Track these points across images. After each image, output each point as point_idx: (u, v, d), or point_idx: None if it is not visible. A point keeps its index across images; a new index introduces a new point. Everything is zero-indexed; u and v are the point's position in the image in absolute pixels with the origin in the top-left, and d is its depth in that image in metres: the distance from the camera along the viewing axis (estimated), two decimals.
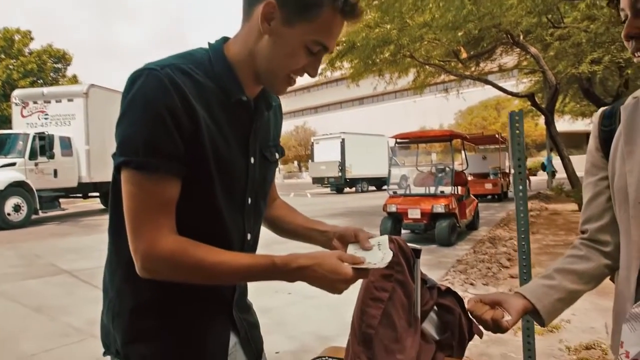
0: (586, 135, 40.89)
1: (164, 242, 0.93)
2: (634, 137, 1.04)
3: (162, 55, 1.04)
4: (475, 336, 1.64)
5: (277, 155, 1.25)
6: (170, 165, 0.94)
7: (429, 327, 1.58)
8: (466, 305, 1.16)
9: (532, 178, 21.85)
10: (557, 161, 13.92)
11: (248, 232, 1.15)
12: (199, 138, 0.97)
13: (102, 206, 17.15)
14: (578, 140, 37.12)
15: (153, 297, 1.04)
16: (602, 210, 1.14)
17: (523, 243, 1.89)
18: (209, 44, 1.09)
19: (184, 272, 0.96)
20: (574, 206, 11.81)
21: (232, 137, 1.06)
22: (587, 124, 25.15)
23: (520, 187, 1.89)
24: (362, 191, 25.83)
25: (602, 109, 1.19)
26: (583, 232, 1.19)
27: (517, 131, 1.89)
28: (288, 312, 4.41)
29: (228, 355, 1.14)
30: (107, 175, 13.44)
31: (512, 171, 1.90)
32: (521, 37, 10.67)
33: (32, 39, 30.72)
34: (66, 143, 14.08)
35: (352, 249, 1.16)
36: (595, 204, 1.16)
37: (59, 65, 31.95)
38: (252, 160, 1.12)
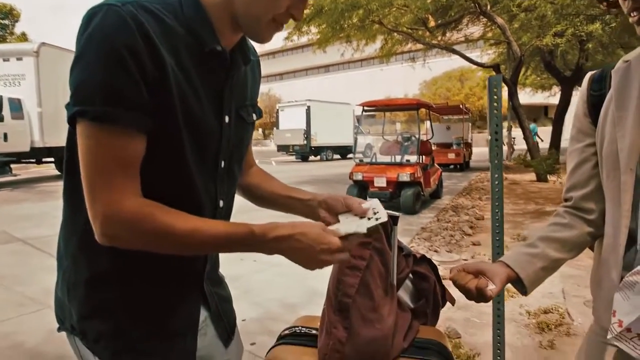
0: (544, 107, 42.06)
1: (127, 204, 0.82)
2: (626, 101, 1.00)
3: None
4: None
5: (254, 116, 1.13)
6: (133, 116, 0.82)
7: (404, 295, 1.55)
8: (449, 275, 1.12)
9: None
10: (518, 132, 14.27)
11: (220, 198, 1.05)
12: (165, 85, 0.84)
13: (57, 172, 16.44)
14: (537, 113, 38.14)
15: (113, 267, 0.93)
16: (587, 178, 1.12)
17: (497, 211, 1.88)
18: None
19: (150, 239, 0.85)
20: (533, 176, 12.20)
21: (204, 92, 0.94)
22: (546, 97, 25.83)
23: (497, 155, 1.86)
24: (327, 159, 25.84)
25: (590, 72, 1.15)
26: (567, 200, 1.16)
27: (495, 96, 1.84)
28: (254, 279, 4.37)
29: (198, 331, 1.05)
30: (62, 140, 12.47)
31: (489, 138, 1.86)
32: (488, 7, 10.67)
33: None
34: (16, 105, 13.27)
35: (344, 220, 1.07)
36: (581, 171, 1.13)
37: (6, 22, 29.86)
38: (227, 119, 1.00)
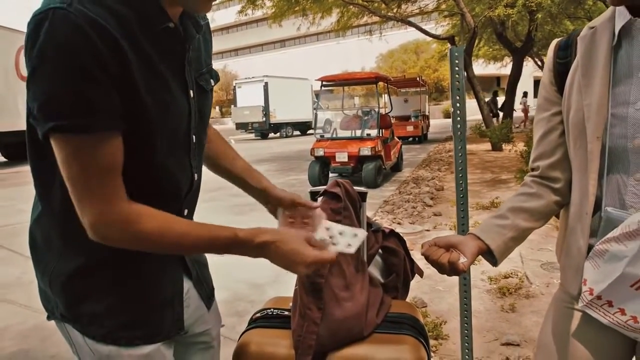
0: (497, 78, 43.15)
1: (114, 211, 0.84)
2: (592, 69, 1.00)
3: None
4: None
5: (212, 82, 1.10)
6: (105, 121, 0.79)
7: (375, 270, 1.55)
8: (421, 250, 1.11)
9: (449, 120, 22.76)
10: (473, 103, 14.57)
11: (195, 172, 1.05)
12: (131, 81, 0.81)
13: (3, 159, 15.57)
14: (490, 84, 39.06)
15: (100, 254, 0.93)
16: (554, 147, 1.12)
17: (461, 182, 1.89)
18: None
19: (139, 241, 0.88)
20: (489, 146, 12.54)
21: (169, 73, 0.91)
22: (498, 68, 26.42)
23: (459, 127, 1.86)
24: (287, 136, 25.65)
25: (556, 40, 1.14)
26: (534, 170, 1.17)
27: (457, 68, 1.83)
28: (221, 261, 4.27)
29: (184, 300, 1.09)
30: (10, 125, 12.12)
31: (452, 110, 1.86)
32: None
33: None
34: None
35: (326, 231, 1.10)
36: (547, 140, 1.13)
37: None
38: (192, 93, 0.98)
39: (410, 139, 17.33)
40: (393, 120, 11.92)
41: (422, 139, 17.52)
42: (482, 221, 1.17)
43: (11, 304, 3.63)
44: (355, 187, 1.41)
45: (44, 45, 0.74)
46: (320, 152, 8.13)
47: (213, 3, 0.92)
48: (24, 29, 0.79)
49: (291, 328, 1.24)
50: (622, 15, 0.96)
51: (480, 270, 3.78)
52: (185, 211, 1.08)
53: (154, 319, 1.01)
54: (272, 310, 1.38)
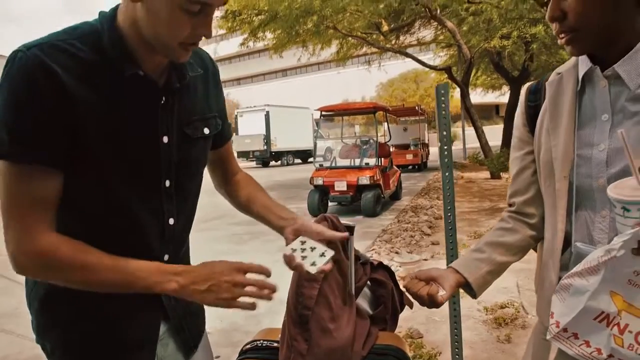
0: (495, 106, 43.61)
1: (33, 241, 0.87)
2: (558, 112, 1.07)
3: (65, 23, 0.92)
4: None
5: (205, 131, 1.12)
6: (40, 154, 0.85)
7: (363, 302, 1.58)
8: (403, 283, 1.16)
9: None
10: (470, 132, 14.74)
11: (170, 216, 1.06)
12: (79, 124, 0.87)
13: None
14: (488, 112, 39.47)
15: (62, 287, 0.94)
16: (527, 184, 1.18)
17: (449, 214, 1.95)
18: (100, 13, 0.96)
19: (52, 274, 0.91)
20: (487, 174, 12.62)
21: (134, 116, 0.95)
22: (497, 96, 26.77)
23: (446, 157, 1.93)
24: (288, 164, 25.81)
25: (527, 84, 1.22)
26: (511, 205, 1.23)
27: (443, 104, 1.91)
28: None
29: (158, 341, 1.08)
30: None
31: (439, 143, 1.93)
32: (438, 11, 10.99)
33: None
34: None
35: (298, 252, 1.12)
36: (522, 178, 1.19)
37: None
38: (166, 139, 1.01)
39: (410, 167, 17.45)
40: (392, 149, 12.04)
41: (421, 167, 17.64)
42: (462, 255, 1.22)
43: (9, 334, 3.64)
44: (343, 221, 1.46)
45: (2, 81, 0.85)
46: (319, 181, 8.20)
47: (189, 54, 0.97)
48: None
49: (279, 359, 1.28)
50: (584, 63, 1.03)
51: (477, 300, 3.79)
52: (166, 257, 1.08)
53: None
54: (261, 341, 1.42)
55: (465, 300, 3.83)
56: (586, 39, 0.97)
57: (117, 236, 0.98)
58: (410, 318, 3.52)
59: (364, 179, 7.89)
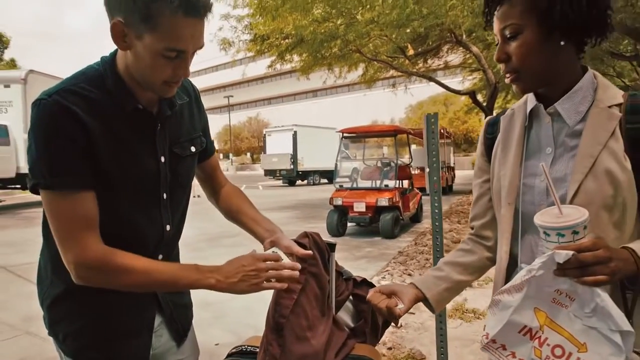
0: None
1: (90, 253, 1.05)
2: (508, 145, 1.18)
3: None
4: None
5: (192, 149, 1.31)
6: (75, 180, 1.03)
7: (345, 315, 1.69)
8: (367, 296, 1.27)
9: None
10: None
11: (167, 223, 1.26)
12: (95, 150, 1.05)
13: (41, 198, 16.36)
14: None
15: (73, 286, 1.11)
16: (484, 210, 1.29)
17: (437, 237, 2.04)
18: (102, 58, 1.15)
19: (112, 279, 1.08)
20: None
21: (137, 143, 1.14)
22: None
23: (435, 186, 2.03)
24: (314, 184, 26.01)
25: (488, 117, 1.33)
26: (471, 228, 1.33)
27: (433, 132, 2.02)
28: (228, 306, 4.44)
29: (153, 332, 1.27)
30: None
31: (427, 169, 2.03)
32: (464, 36, 11.09)
33: None
34: (2, 131, 13.35)
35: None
36: (480, 203, 1.30)
37: None
38: (163, 158, 1.20)
39: None
40: (416, 172, 12.04)
41: (446, 190, 17.49)
42: (423, 274, 1.33)
43: (33, 336, 3.86)
44: (324, 239, 1.58)
45: (32, 125, 1.02)
46: (338, 202, 8.31)
47: (175, 90, 1.15)
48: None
49: None
50: (531, 101, 1.14)
51: (483, 324, 3.80)
52: (160, 256, 1.27)
53: (114, 347, 1.20)
54: (246, 346, 1.54)
55: (472, 324, 3.86)
56: (528, 79, 1.07)
57: (122, 242, 1.14)
58: (415, 339, 3.57)
59: (383, 201, 7.96)
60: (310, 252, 1.37)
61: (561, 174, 1.06)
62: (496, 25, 1.07)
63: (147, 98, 1.15)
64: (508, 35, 1.05)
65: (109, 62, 1.12)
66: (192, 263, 1.15)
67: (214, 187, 1.49)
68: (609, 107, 1.02)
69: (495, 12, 1.07)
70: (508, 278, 1.14)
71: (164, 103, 1.19)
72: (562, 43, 1.01)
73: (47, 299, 1.21)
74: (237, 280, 1.14)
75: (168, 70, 1.06)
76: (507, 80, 1.13)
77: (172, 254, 1.34)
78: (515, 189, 1.13)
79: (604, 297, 0.87)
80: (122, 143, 1.11)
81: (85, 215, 1.05)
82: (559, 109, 1.07)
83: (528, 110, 1.14)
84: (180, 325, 1.37)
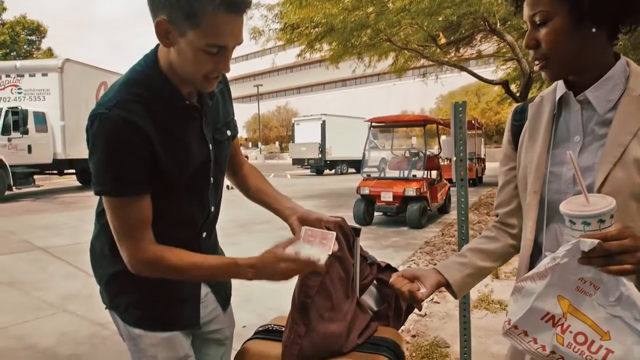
0: None
1: (144, 252, 1.16)
2: (536, 132, 1.17)
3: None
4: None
5: (228, 133, 1.39)
6: (135, 186, 1.13)
7: (369, 299, 1.73)
8: (390, 280, 1.29)
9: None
10: None
11: (212, 205, 1.36)
12: (154, 153, 1.14)
13: (78, 183, 16.96)
14: None
15: None
16: (510, 197, 1.29)
17: (463, 226, 2.04)
18: (144, 58, 1.20)
19: (163, 272, 1.20)
20: None
21: (189, 135, 1.23)
22: None
23: (462, 174, 2.03)
24: (342, 173, 26.03)
25: (516, 105, 1.33)
26: (496, 216, 1.34)
27: (460, 122, 2.02)
28: (255, 289, 4.51)
29: (201, 299, 1.39)
30: (83, 152, 13.27)
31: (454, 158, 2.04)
32: (498, 24, 10.82)
33: (4, 9, 29.74)
34: (40, 118, 13.86)
35: (304, 234, 1.31)
36: (505, 191, 1.30)
37: (33, 38, 31.05)
38: (211, 146, 1.28)
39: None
40: (446, 162, 11.91)
41: (476, 181, 17.23)
42: (446, 259, 1.34)
43: (70, 314, 4.06)
44: (350, 224, 1.62)
45: (94, 138, 1.10)
46: (366, 191, 8.33)
47: (215, 84, 1.20)
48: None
49: (282, 340, 1.46)
50: (561, 88, 1.13)
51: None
52: (204, 234, 1.38)
53: (172, 312, 1.33)
54: (272, 325, 1.60)
55: (498, 315, 3.84)
56: (556, 66, 1.07)
57: (175, 224, 1.27)
58: (439, 328, 3.59)
59: (410, 191, 7.93)
60: (339, 219, 1.46)
61: (589, 163, 1.05)
62: (526, 12, 1.07)
63: (188, 92, 1.22)
64: (538, 22, 1.04)
65: (153, 60, 1.17)
66: (232, 257, 1.23)
67: (235, 167, 1.56)
68: None
69: None
70: (532, 266, 1.14)
71: (204, 94, 1.26)
72: (593, 30, 1.01)
73: (105, 276, 1.33)
74: (269, 273, 1.20)
75: (209, 66, 1.11)
76: (535, 68, 1.12)
77: (213, 233, 1.45)
78: (542, 177, 1.13)
79: (629, 286, 0.88)
80: (177, 141, 1.19)
81: (141, 219, 1.16)
82: (589, 97, 1.06)
83: (557, 98, 1.14)
84: (224, 292, 1.51)
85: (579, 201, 0.94)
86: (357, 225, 1.63)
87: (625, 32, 1.04)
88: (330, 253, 1.27)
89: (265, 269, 1.18)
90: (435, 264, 5.54)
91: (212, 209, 1.37)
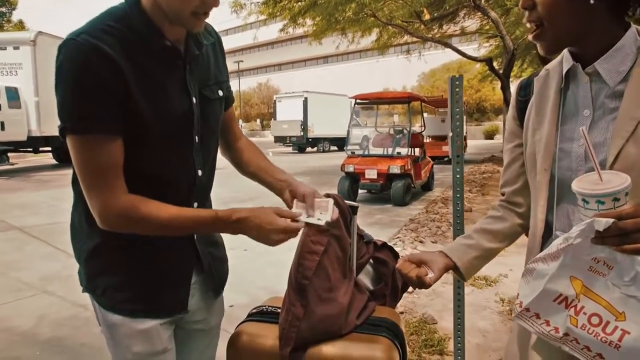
0: None
1: (115, 201, 1.03)
2: (543, 108, 1.12)
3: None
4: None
5: (220, 93, 1.28)
6: (103, 125, 1.00)
7: (365, 278, 1.69)
8: (396, 265, 1.24)
9: (490, 141, 22.33)
10: None
11: (199, 168, 1.23)
12: (127, 90, 1.01)
13: (54, 161, 16.53)
14: None
15: (114, 236, 1.10)
16: (516, 175, 1.24)
17: (458, 202, 2.01)
18: None
19: (137, 226, 1.06)
20: None
21: (170, 82, 1.11)
22: None
23: (457, 154, 1.99)
24: (324, 151, 25.95)
25: (520, 79, 1.27)
26: (502, 195, 1.29)
27: (457, 96, 1.97)
28: (244, 268, 4.50)
29: (191, 284, 1.27)
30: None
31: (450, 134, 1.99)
32: (482, 0, 10.75)
33: None
34: (13, 94, 13.37)
35: (298, 206, 1.25)
36: (511, 169, 1.26)
37: (3, 9, 29.72)
38: (194, 100, 1.17)
39: (446, 159, 17.21)
40: (428, 140, 11.93)
41: None
42: (453, 241, 1.30)
43: (50, 295, 3.95)
44: (346, 201, 1.56)
45: (59, 66, 0.97)
46: (350, 169, 8.29)
47: (203, 22, 1.10)
48: None
49: (279, 322, 1.41)
50: (567, 60, 1.07)
51: (495, 291, 3.82)
52: (195, 204, 1.25)
53: (156, 298, 1.19)
54: (267, 307, 1.55)
55: (483, 290, 3.88)
56: (551, 34, 1.00)
57: (156, 187, 1.13)
58: (427, 305, 3.60)
59: (395, 168, 7.92)
60: (327, 193, 1.34)
61: (600, 138, 1.00)
62: None
63: (174, 36, 1.11)
64: None
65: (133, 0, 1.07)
66: (212, 210, 1.13)
67: (230, 140, 1.45)
68: None
69: None
70: (543, 246, 1.11)
71: (191, 42, 1.15)
72: (591, 1, 0.95)
73: (84, 252, 1.19)
74: (254, 236, 1.12)
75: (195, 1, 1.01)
76: (529, 37, 1.05)
77: (206, 203, 1.33)
78: (551, 154, 1.08)
79: None
80: (154, 81, 1.07)
81: (111, 164, 1.03)
82: (598, 69, 1.00)
83: (564, 71, 1.08)
84: (217, 278, 1.38)
85: (591, 179, 0.90)
86: (354, 203, 1.57)
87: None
88: (329, 219, 1.23)
89: (261, 226, 1.09)
90: (421, 241, 5.59)
91: (200, 172, 1.23)
